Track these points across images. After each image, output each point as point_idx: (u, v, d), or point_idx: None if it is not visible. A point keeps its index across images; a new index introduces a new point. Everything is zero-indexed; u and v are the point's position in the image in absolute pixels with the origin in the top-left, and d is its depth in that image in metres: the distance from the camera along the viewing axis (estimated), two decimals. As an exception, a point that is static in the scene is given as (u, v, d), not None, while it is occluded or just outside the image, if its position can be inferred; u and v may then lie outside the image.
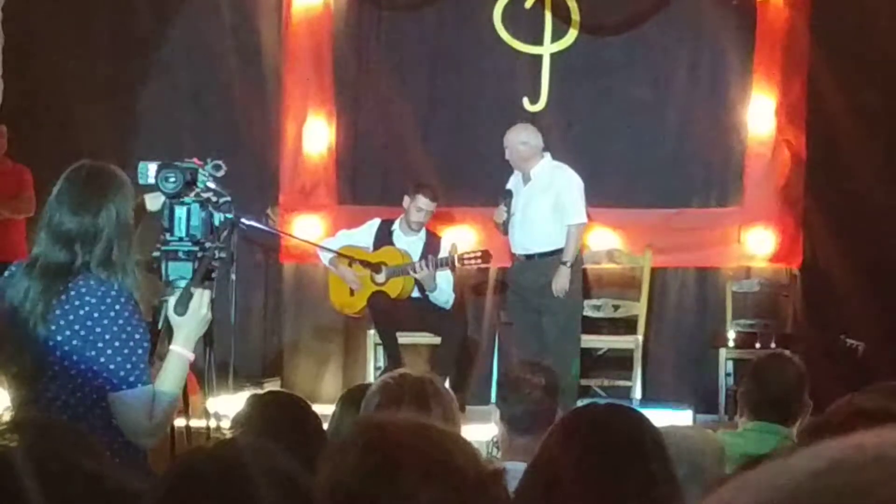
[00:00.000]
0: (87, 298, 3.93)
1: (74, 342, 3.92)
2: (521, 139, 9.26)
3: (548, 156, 9.32)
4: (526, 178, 9.28)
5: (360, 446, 2.14)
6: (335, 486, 2.12)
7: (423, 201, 9.51)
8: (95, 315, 3.91)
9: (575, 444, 2.92)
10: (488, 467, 2.19)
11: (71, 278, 3.96)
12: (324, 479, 2.17)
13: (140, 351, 3.95)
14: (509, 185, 9.38)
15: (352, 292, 9.70)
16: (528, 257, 9.27)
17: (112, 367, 3.91)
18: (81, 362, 3.92)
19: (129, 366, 3.92)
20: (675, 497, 2.86)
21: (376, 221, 9.77)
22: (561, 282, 9.10)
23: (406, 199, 9.58)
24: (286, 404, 3.86)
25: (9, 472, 2.08)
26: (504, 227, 9.35)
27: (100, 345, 3.91)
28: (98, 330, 3.91)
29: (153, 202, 4.64)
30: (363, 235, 9.74)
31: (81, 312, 3.92)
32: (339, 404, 4.64)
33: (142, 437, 4.02)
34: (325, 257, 9.72)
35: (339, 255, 9.54)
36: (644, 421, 3.06)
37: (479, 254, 9.42)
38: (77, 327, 3.92)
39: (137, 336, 3.95)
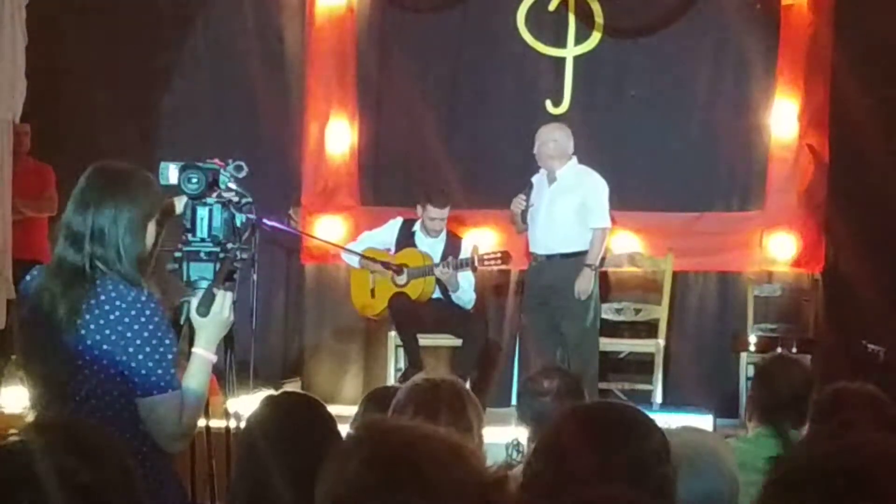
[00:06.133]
0: (118, 303, 3.93)
1: (104, 347, 3.92)
2: (553, 136, 9.25)
3: (574, 159, 9.30)
4: (551, 179, 9.28)
5: (360, 458, 2.14)
6: (334, 495, 2.13)
7: (433, 211, 9.53)
8: (126, 320, 3.92)
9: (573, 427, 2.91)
10: (490, 477, 2.18)
11: (88, 279, 3.96)
12: (325, 486, 2.17)
13: (170, 356, 3.95)
14: (533, 180, 9.38)
15: (373, 293, 9.70)
16: (549, 257, 9.26)
17: (143, 372, 3.91)
18: (111, 367, 3.93)
19: (159, 371, 3.92)
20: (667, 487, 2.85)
21: (399, 220, 9.78)
22: (584, 284, 9.10)
23: (418, 209, 9.60)
24: (300, 405, 3.86)
25: (29, 471, 2.09)
26: (522, 217, 9.33)
27: (130, 350, 3.91)
28: (129, 335, 3.91)
29: (182, 204, 4.63)
30: (386, 234, 9.76)
31: (112, 317, 3.92)
32: (362, 405, 4.64)
33: (171, 440, 4.02)
34: (352, 259, 9.72)
35: (362, 257, 9.56)
36: (641, 414, 3.04)
37: (498, 254, 9.43)
38: (107, 332, 3.92)
39: (167, 342, 3.96)
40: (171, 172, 4.57)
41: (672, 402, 9.50)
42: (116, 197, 4.03)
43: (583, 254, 9.16)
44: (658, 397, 9.55)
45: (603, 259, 9.45)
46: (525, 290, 9.70)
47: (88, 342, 3.93)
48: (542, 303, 9.29)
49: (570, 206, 9.18)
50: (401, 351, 9.64)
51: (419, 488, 2.08)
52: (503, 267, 9.66)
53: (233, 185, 4.63)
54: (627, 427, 2.90)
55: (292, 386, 9.82)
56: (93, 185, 4.07)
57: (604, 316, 9.62)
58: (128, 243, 4.00)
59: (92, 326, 3.93)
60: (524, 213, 9.31)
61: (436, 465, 2.12)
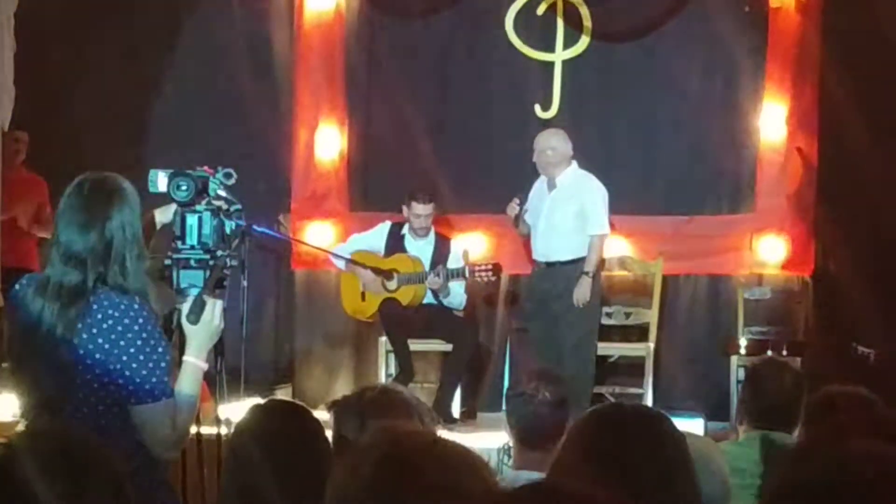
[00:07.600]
0: (111, 312, 3.92)
1: (97, 355, 3.92)
2: (550, 144, 9.27)
3: (574, 164, 9.31)
4: (551, 185, 9.30)
5: (372, 462, 2.14)
6: (344, 498, 2.12)
7: (418, 208, 9.52)
8: (119, 329, 3.91)
9: (593, 446, 2.88)
10: (498, 489, 2.18)
11: (86, 295, 3.95)
12: (335, 487, 2.17)
13: (163, 364, 3.96)
14: (534, 189, 9.40)
15: (363, 297, 9.69)
16: (549, 265, 9.28)
17: (137, 380, 3.92)
18: (104, 375, 3.93)
19: (153, 379, 3.93)
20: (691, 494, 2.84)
21: (387, 224, 9.77)
22: (582, 291, 9.11)
23: (404, 209, 9.60)
24: (287, 412, 3.86)
25: (18, 480, 2.08)
26: (516, 221, 9.37)
27: (124, 358, 3.91)
28: (122, 344, 3.91)
29: (163, 215, 4.62)
30: (375, 238, 9.74)
31: (104, 326, 3.92)
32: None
33: (164, 448, 4.02)
34: (341, 262, 9.71)
35: (352, 262, 9.55)
36: (665, 420, 3.01)
37: (489, 267, 9.39)
38: (101, 341, 3.92)
39: (160, 350, 3.96)
40: (160, 180, 4.58)
41: (663, 405, 9.48)
42: (115, 211, 4.02)
43: (583, 261, 9.18)
44: (648, 401, 9.54)
45: (602, 263, 9.46)
46: (525, 295, 9.72)
47: (82, 351, 3.93)
48: (542, 309, 9.32)
49: (569, 213, 9.20)
50: (392, 356, 9.63)
51: (428, 494, 2.08)
52: (494, 279, 9.61)
53: (222, 192, 4.64)
54: (642, 434, 2.88)
55: (283, 392, 9.83)
56: (88, 203, 4.03)
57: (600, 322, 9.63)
58: (134, 254, 4.00)
59: (85, 335, 3.93)
60: (518, 217, 9.35)
61: (445, 472, 2.13)
